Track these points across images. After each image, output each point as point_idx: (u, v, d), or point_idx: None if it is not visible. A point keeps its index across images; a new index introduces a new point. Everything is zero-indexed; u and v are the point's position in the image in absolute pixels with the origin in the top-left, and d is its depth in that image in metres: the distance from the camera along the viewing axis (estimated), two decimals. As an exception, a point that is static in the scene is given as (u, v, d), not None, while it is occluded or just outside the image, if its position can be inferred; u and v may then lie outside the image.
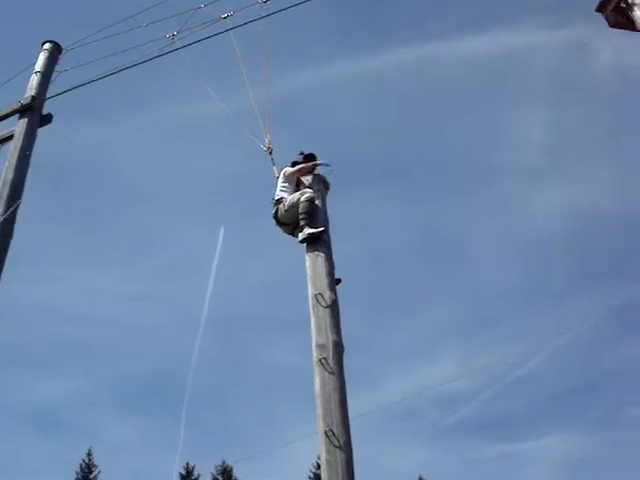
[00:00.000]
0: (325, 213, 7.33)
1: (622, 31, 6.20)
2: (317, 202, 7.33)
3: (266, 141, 8.20)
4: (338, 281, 6.95)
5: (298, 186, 7.75)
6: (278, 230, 7.67)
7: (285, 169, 7.91)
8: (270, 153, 8.19)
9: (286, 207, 7.48)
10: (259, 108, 8.45)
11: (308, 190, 7.42)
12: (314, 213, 7.20)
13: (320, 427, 5.90)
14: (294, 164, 7.99)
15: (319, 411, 5.97)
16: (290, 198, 7.48)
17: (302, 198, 7.29)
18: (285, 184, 7.75)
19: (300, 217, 7.16)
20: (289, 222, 7.50)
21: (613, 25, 6.14)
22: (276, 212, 7.59)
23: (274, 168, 8.10)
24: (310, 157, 8.01)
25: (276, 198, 7.68)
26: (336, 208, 7.75)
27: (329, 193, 7.65)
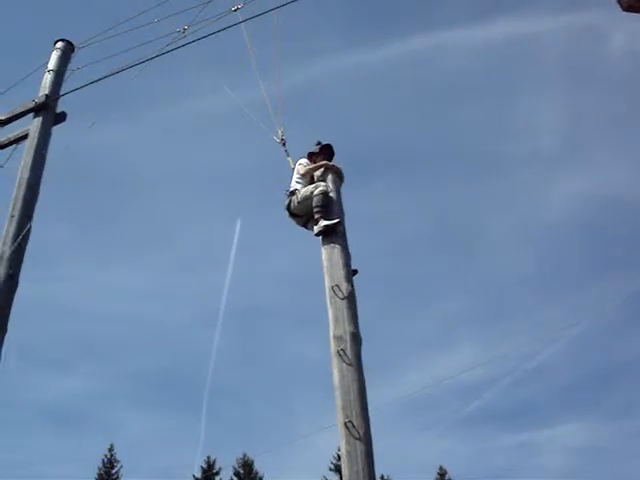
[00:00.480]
0: (340, 204, 7.33)
1: (636, 15, 6.12)
2: (331, 194, 7.33)
3: (279, 133, 8.21)
4: (354, 272, 6.96)
5: (313, 178, 7.76)
6: (291, 222, 7.69)
7: (300, 161, 7.91)
8: (284, 145, 8.20)
9: (299, 199, 7.49)
10: (271, 100, 8.45)
11: (322, 183, 7.41)
12: (328, 206, 7.20)
13: (339, 418, 5.92)
14: (310, 155, 7.99)
15: (338, 402, 5.98)
16: (304, 191, 7.49)
17: (315, 191, 7.29)
18: (299, 175, 7.77)
19: (314, 210, 7.16)
20: (302, 214, 7.53)
21: (627, 9, 6.04)
22: (289, 204, 7.61)
23: (289, 159, 8.11)
24: (326, 148, 8.00)
25: (290, 189, 7.71)
26: (350, 199, 7.77)
27: (343, 185, 7.65)
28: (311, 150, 8.05)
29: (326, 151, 8.01)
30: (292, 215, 7.65)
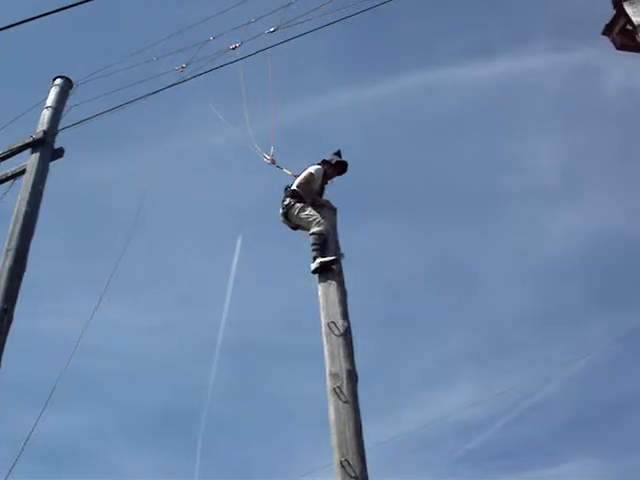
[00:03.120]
0: (336, 241, 7.32)
1: (630, 53, 6.20)
2: (327, 231, 7.32)
3: (270, 152, 8.22)
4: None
5: (323, 187, 7.81)
6: (281, 221, 7.70)
7: (313, 168, 7.80)
8: (273, 163, 8.18)
9: (299, 215, 7.46)
10: (265, 132, 8.53)
11: (322, 221, 7.35)
12: (325, 244, 7.19)
13: (336, 457, 5.83)
14: (324, 162, 7.98)
15: (334, 441, 5.90)
16: (305, 214, 7.43)
17: (313, 230, 7.27)
18: (303, 181, 7.72)
19: (312, 248, 7.15)
20: (295, 225, 7.58)
21: (620, 48, 6.14)
22: (288, 206, 7.57)
23: (285, 170, 8.10)
24: (341, 164, 8.00)
25: (292, 188, 7.67)
26: (347, 236, 7.77)
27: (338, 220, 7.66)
28: (326, 158, 8.02)
29: (339, 167, 8.01)
30: (286, 218, 7.63)
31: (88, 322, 7.76)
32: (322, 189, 7.92)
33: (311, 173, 7.75)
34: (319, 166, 7.89)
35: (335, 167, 7.99)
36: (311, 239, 7.22)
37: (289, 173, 8.01)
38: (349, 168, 8.11)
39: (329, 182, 8.02)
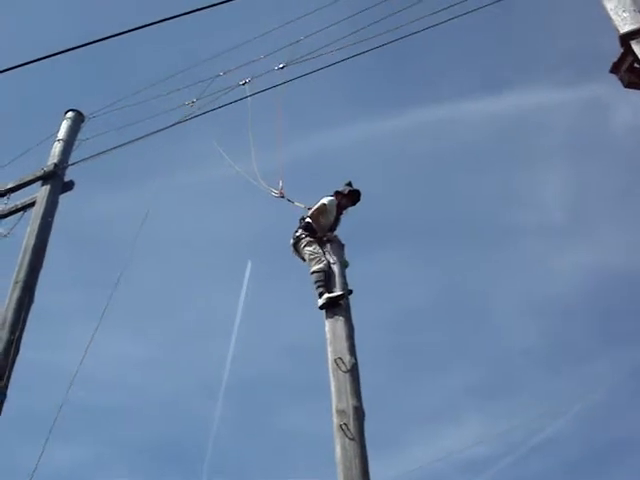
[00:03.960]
0: (344, 277, 7.31)
1: (638, 90, 6.21)
2: (334, 266, 7.30)
3: (279, 185, 8.25)
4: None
5: (337, 219, 7.85)
6: (292, 252, 7.74)
7: (326, 200, 7.83)
8: (282, 197, 8.20)
9: (303, 248, 7.53)
10: (275, 168, 8.58)
11: (322, 258, 7.37)
12: (329, 280, 7.19)
13: (342, 495, 5.76)
14: (337, 193, 8.00)
15: (340, 478, 5.83)
16: (308, 252, 7.46)
17: (313, 268, 7.29)
18: (315, 214, 7.75)
19: (315, 286, 7.16)
20: (301, 257, 7.61)
21: (628, 86, 6.15)
22: (298, 238, 7.63)
23: (297, 203, 8.12)
24: (354, 193, 8.01)
25: (305, 221, 7.72)
26: (356, 268, 7.76)
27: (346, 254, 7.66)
28: (339, 189, 8.04)
29: (353, 196, 8.02)
30: (295, 249, 7.69)
31: (85, 353, 7.74)
32: (337, 220, 7.93)
33: (324, 204, 7.78)
34: (332, 197, 7.92)
35: (348, 197, 8.01)
36: (312, 277, 7.24)
37: (302, 206, 8.02)
38: (362, 197, 8.13)
39: (344, 212, 8.03)
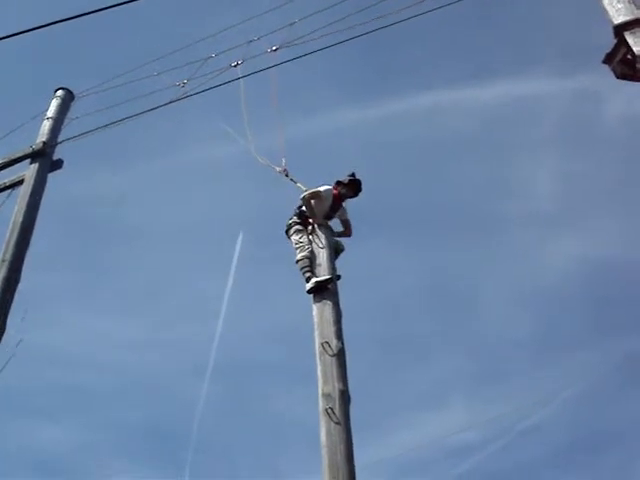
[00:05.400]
0: (332, 261, 7.31)
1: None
2: (323, 250, 7.31)
3: (283, 164, 8.23)
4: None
5: (333, 209, 7.86)
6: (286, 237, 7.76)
7: (323, 188, 7.85)
8: (286, 175, 8.17)
9: (291, 236, 7.58)
10: (269, 151, 8.55)
11: (306, 246, 7.39)
12: (313, 264, 7.21)
13: (326, 479, 5.78)
14: (338, 183, 7.99)
15: (325, 462, 5.84)
16: (294, 240, 7.51)
17: (297, 256, 7.33)
18: (310, 197, 7.76)
19: (302, 272, 7.20)
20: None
21: (620, 77, 6.16)
22: (289, 227, 7.68)
23: (298, 185, 8.07)
24: (355, 183, 8.01)
25: (300, 210, 7.75)
26: (345, 256, 7.78)
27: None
28: (340, 179, 8.02)
29: (353, 186, 8.00)
30: (287, 235, 7.71)
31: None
32: (333, 211, 7.90)
33: (319, 190, 7.78)
34: (330, 187, 7.92)
35: (349, 187, 7.98)
36: (299, 264, 7.26)
37: (302, 188, 7.98)
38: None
39: (344, 203, 8.02)
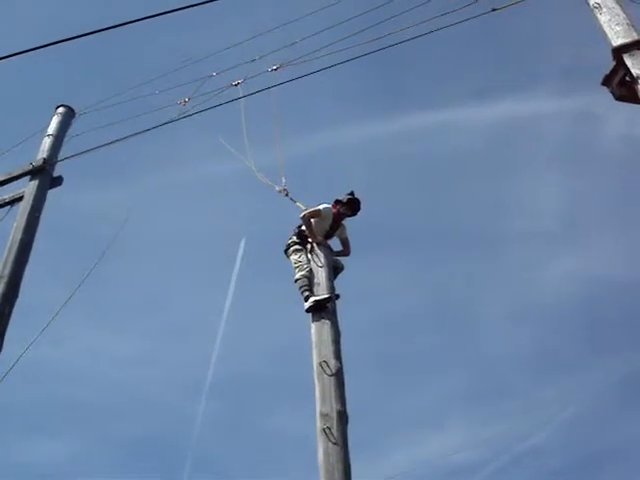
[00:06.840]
0: (331, 280, 7.31)
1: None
2: (322, 269, 7.30)
3: (282, 183, 8.24)
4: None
5: (333, 228, 7.87)
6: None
7: (322, 206, 7.86)
8: (287, 195, 8.21)
9: (290, 255, 7.62)
10: (269, 169, 8.58)
11: (305, 266, 7.41)
12: (312, 283, 7.22)
13: (323, 499, 5.74)
14: (337, 202, 8.00)
15: (322, 483, 5.81)
16: (293, 260, 7.54)
17: (296, 276, 7.35)
18: (308, 216, 7.79)
19: (300, 292, 7.20)
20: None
21: (619, 98, 6.19)
22: (288, 246, 7.72)
23: (298, 204, 8.10)
24: (354, 202, 8.01)
25: (298, 230, 7.80)
26: (345, 274, 7.78)
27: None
28: (339, 198, 8.03)
29: (352, 205, 8.00)
30: (286, 255, 7.73)
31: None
32: (332, 230, 7.92)
33: (319, 209, 7.80)
34: (329, 205, 7.93)
35: (348, 205, 7.99)
36: (297, 284, 7.26)
37: (302, 207, 8.00)
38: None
39: (343, 221, 8.03)
